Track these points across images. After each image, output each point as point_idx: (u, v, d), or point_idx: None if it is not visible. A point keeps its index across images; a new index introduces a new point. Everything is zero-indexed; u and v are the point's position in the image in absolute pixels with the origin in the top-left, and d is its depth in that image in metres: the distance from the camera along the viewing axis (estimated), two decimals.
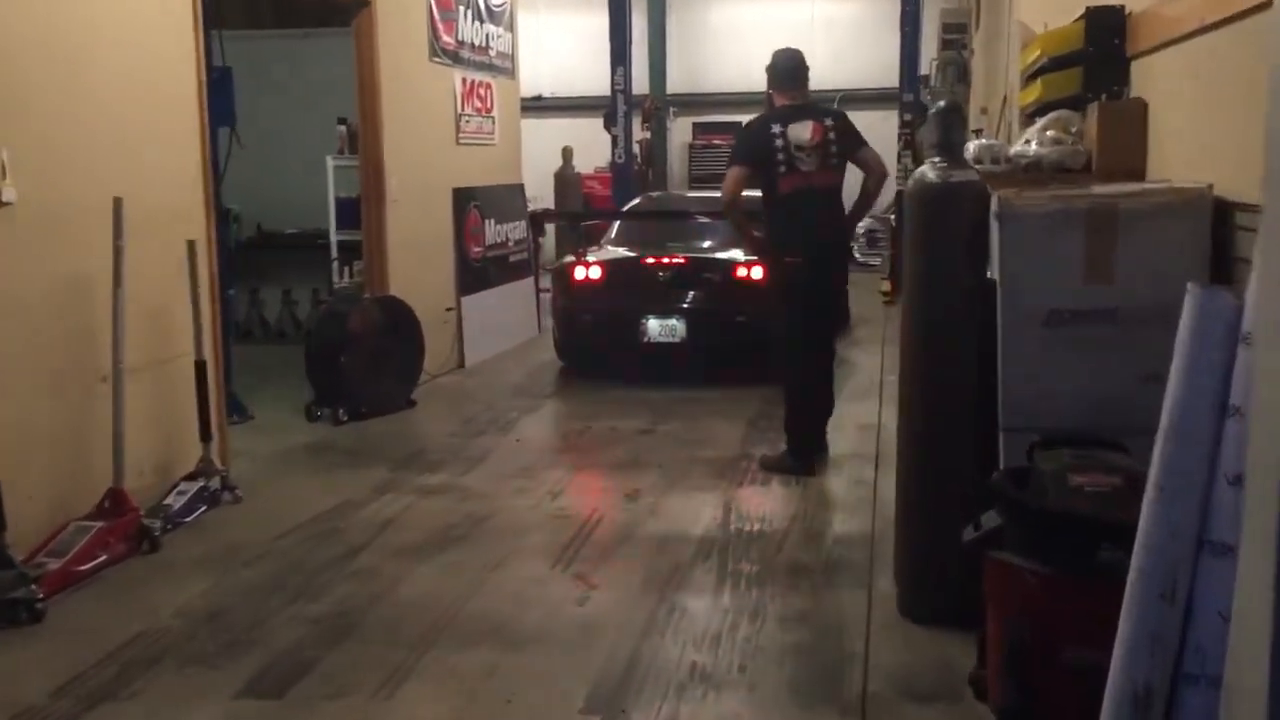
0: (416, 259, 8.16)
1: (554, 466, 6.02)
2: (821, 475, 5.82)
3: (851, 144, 5.87)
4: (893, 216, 15.07)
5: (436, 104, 8.61)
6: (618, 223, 9.61)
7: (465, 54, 9.03)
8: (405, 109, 7.99)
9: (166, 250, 5.29)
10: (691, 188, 18.34)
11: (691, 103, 18.69)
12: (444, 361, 8.53)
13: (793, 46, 6.18)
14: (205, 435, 5.34)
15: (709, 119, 18.77)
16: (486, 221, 9.45)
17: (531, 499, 5.44)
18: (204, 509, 5.16)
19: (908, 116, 13.48)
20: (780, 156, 5.68)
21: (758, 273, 7.34)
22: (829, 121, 5.83)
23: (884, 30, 17.36)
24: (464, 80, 9.02)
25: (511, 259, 10.03)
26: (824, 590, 4.26)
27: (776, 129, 5.72)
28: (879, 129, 17.56)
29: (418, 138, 8.21)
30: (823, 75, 18.24)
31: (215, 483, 5.31)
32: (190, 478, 5.26)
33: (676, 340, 8.01)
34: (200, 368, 5.34)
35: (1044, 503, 2.97)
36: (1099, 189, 3.73)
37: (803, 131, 5.71)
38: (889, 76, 16.88)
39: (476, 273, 9.22)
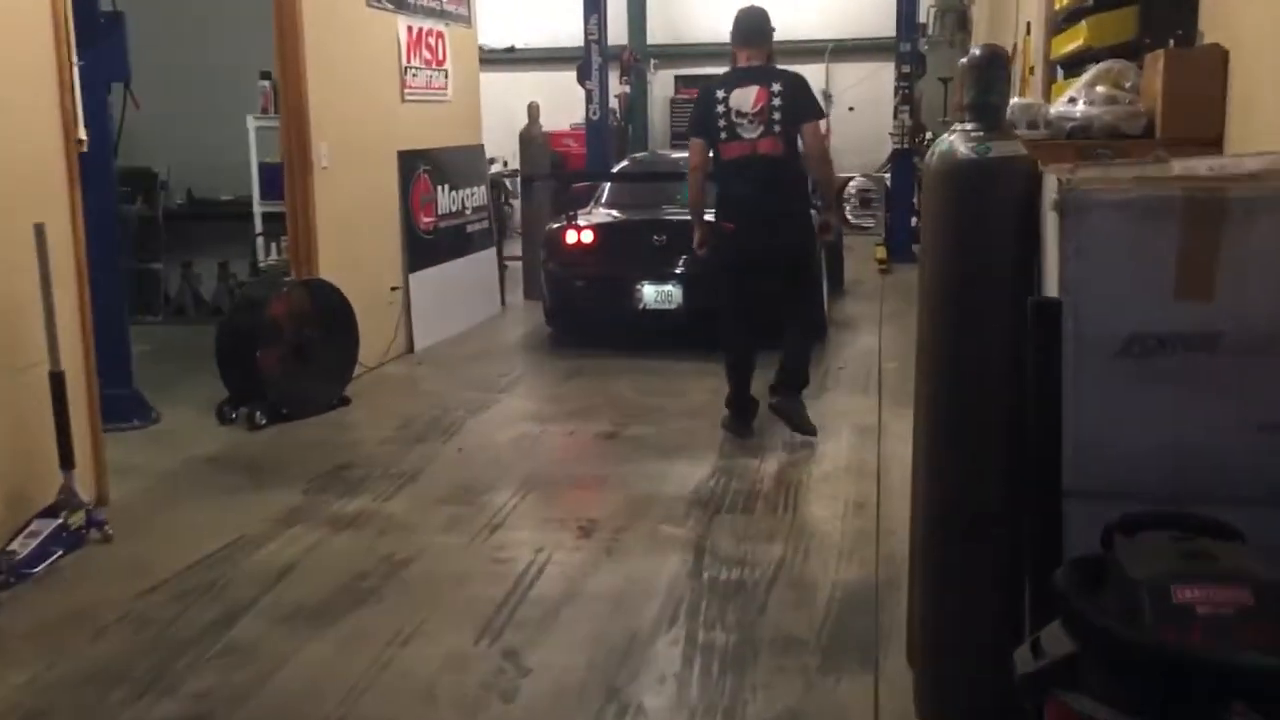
0: (353, 233, 7.18)
1: (498, 486, 5.09)
2: (814, 497, 4.92)
3: (798, 112, 5.54)
4: (887, 176, 14.11)
5: (376, 56, 7.58)
6: (608, 184, 8.94)
7: None
8: (337, 61, 6.97)
9: (9, 236, 4.30)
10: (674, 145, 17.29)
11: (673, 54, 17.56)
12: (389, 347, 7.58)
13: (757, 4, 5.94)
14: (66, 461, 4.39)
15: (692, 71, 17.63)
16: (439, 188, 8.45)
17: (465, 533, 4.52)
18: (59, 554, 4.22)
19: (905, 68, 12.43)
20: (722, 123, 5.53)
21: None
22: (776, 86, 5.54)
23: None
24: (410, 29, 7.99)
25: (469, 229, 9.04)
26: (818, 675, 3.35)
27: (720, 94, 5.57)
28: (874, 82, 16.60)
29: (353, 94, 7.20)
30: (813, 25, 17.31)
31: (79, 519, 4.37)
32: (47, 513, 4.32)
33: (672, 307, 7.63)
34: (57, 380, 4.38)
35: (1139, 634, 2.05)
36: (1188, 166, 2.79)
37: (745, 97, 5.52)
38: (884, 25, 15.78)
39: (427, 246, 8.24)
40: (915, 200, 12.48)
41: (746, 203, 5.51)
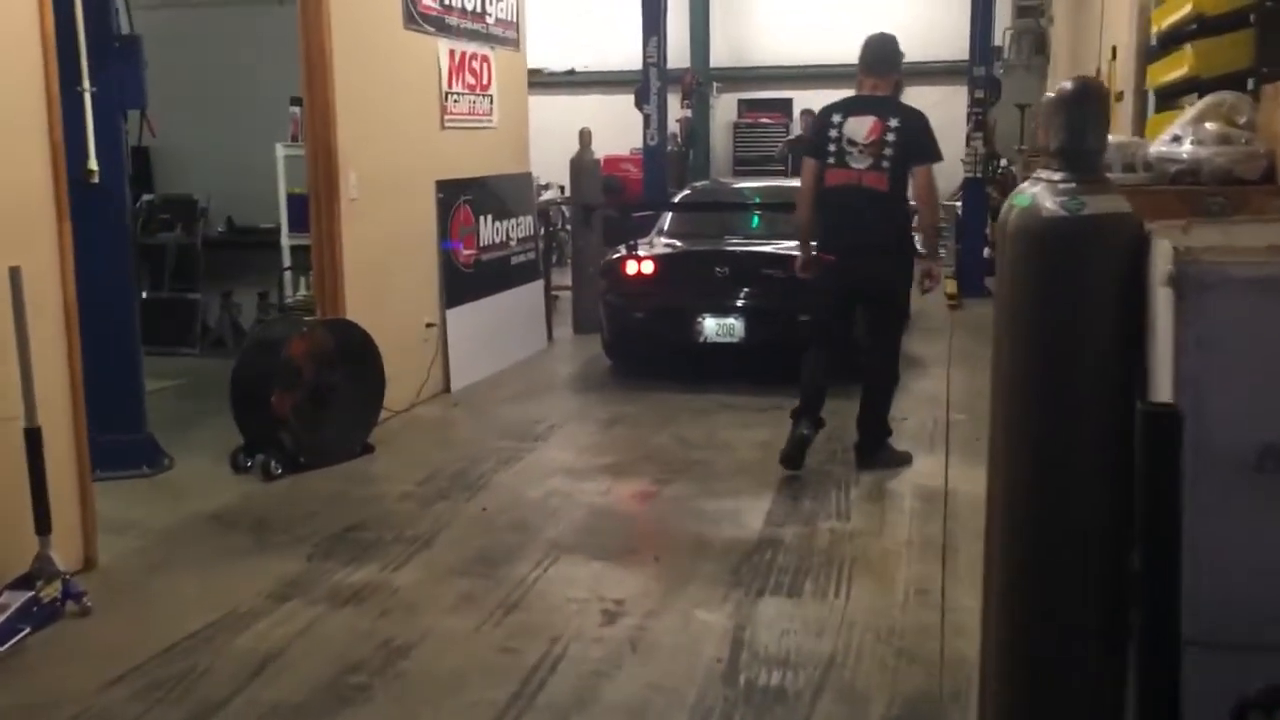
0: (385, 268, 6.79)
1: (519, 555, 4.62)
2: (870, 579, 4.37)
3: (913, 153, 5.43)
4: (958, 205, 13.48)
5: (414, 80, 7.20)
6: (669, 214, 8.71)
7: (453, 20, 7.61)
8: (370, 86, 6.60)
9: None
10: (736, 171, 16.82)
11: (737, 77, 17.10)
12: (421, 388, 7.17)
13: (887, 32, 5.87)
14: (42, 526, 4.01)
15: (756, 95, 17.20)
16: (481, 219, 8.05)
17: (476, 614, 4.05)
18: (27, 631, 3.82)
19: (978, 93, 11.82)
20: (831, 148, 5.46)
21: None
22: (893, 121, 5.42)
23: None
24: (452, 52, 7.61)
25: (514, 260, 8.63)
26: None
27: (836, 118, 5.51)
28: (945, 107, 15.90)
29: (387, 121, 6.82)
30: None
31: (53, 590, 3.98)
32: (19, 584, 3.94)
33: (735, 340, 7.44)
34: (33, 437, 4.00)
35: None
36: None
37: (860, 126, 5.42)
38: (957, 48, 15.18)
39: (467, 280, 7.83)
40: (988, 231, 11.84)
41: (842, 232, 5.45)
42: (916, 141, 5.44)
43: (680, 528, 4.99)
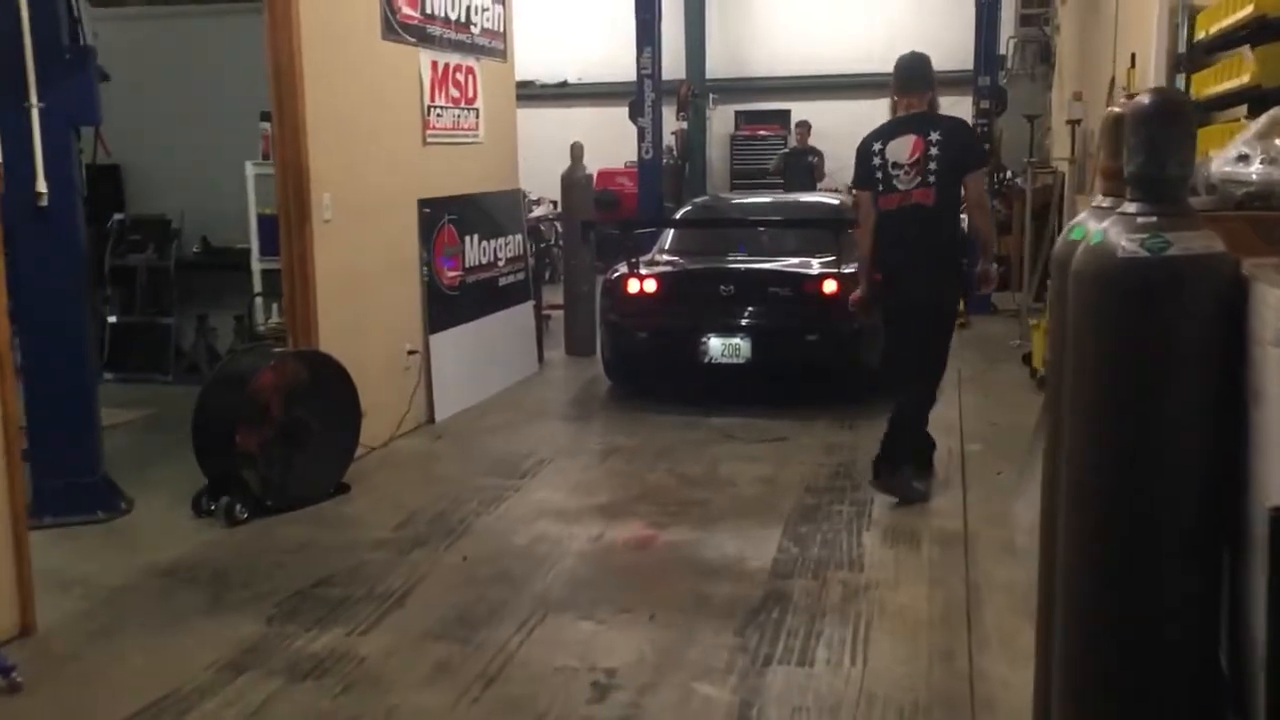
0: (362, 293, 6.37)
1: (501, 615, 4.20)
2: (889, 642, 3.95)
3: (959, 162, 5.36)
4: (963, 219, 13.08)
5: (394, 94, 6.79)
6: (671, 231, 8.41)
7: (436, 30, 7.22)
8: (345, 100, 6.20)
9: None
10: (734, 185, 16.42)
11: (734, 89, 16.70)
12: (404, 420, 6.75)
13: (919, 50, 5.78)
14: None
15: (754, 107, 16.80)
16: (467, 239, 7.64)
17: (451, 688, 3.63)
18: None
19: (984, 104, 11.44)
20: (879, 175, 5.44)
21: (830, 286, 7.04)
22: (934, 135, 5.35)
23: (952, 5, 15.29)
24: (434, 64, 7.20)
25: (502, 282, 8.22)
26: None
27: (877, 146, 5.48)
28: (952, 115, 15.57)
29: (364, 137, 6.41)
30: (879, 57, 16.28)
31: None
32: None
33: (740, 361, 7.20)
34: None
35: None
36: None
37: (901, 148, 5.38)
38: (958, 58, 14.79)
39: (452, 303, 7.42)
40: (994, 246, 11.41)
41: (895, 253, 5.44)
42: (963, 150, 5.43)
43: (678, 580, 4.56)
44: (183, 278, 8.69)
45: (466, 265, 7.63)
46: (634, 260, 7.63)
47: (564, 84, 17.07)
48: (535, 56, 16.87)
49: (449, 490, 5.74)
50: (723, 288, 7.34)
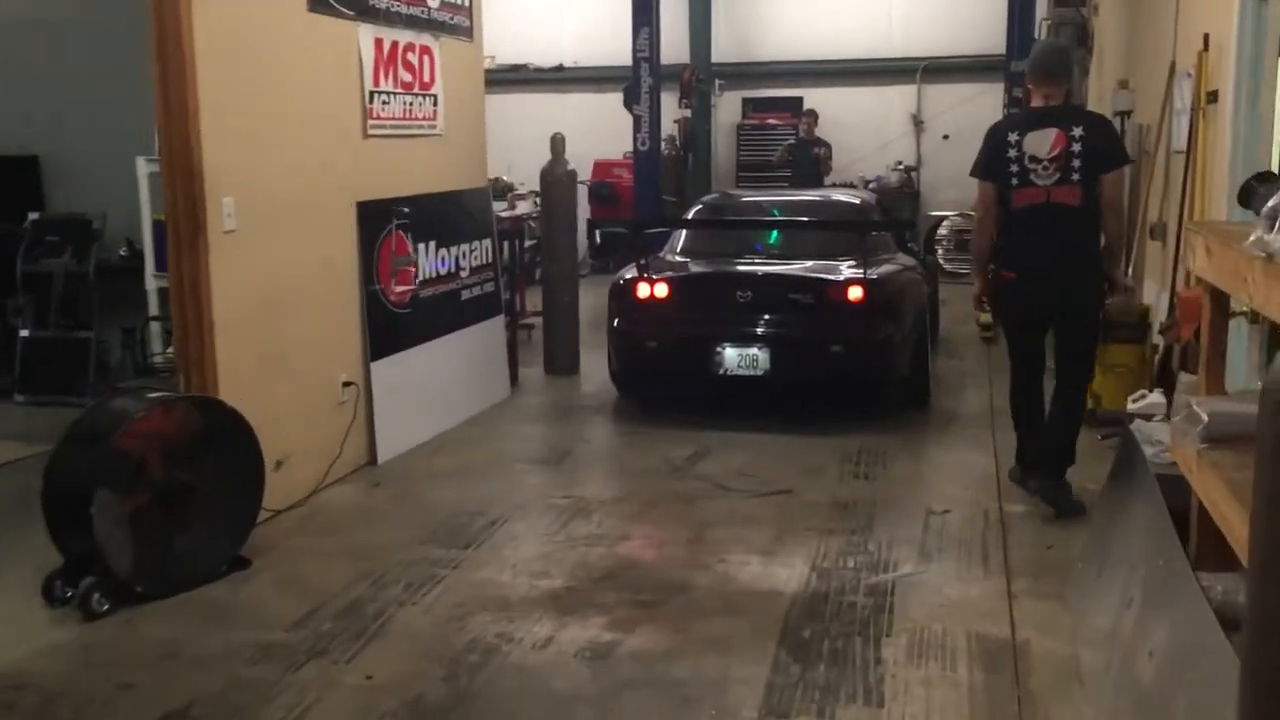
0: (280, 317, 5.31)
1: None
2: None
3: (1101, 159, 5.12)
4: None
5: (325, 77, 5.71)
6: (682, 230, 7.87)
7: (381, 2, 6.12)
8: (256, 84, 5.12)
9: None
10: (740, 178, 15.28)
11: (742, 74, 15.50)
12: (333, 466, 5.69)
13: (1059, 40, 5.68)
14: None
15: (763, 93, 15.60)
16: (421, 247, 6.56)
17: None
18: None
19: (1017, 91, 10.31)
20: (1014, 168, 5.17)
21: (856, 292, 6.64)
22: (1077, 130, 5.11)
23: None
24: (379, 42, 6.11)
25: (466, 295, 7.13)
26: None
27: (1013, 137, 5.21)
28: (972, 106, 14.36)
29: (284, 130, 5.34)
30: (902, 42, 15.11)
31: None
32: None
33: (758, 373, 6.73)
34: None
35: None
36: None
37: (1042, 141, 5.12)
38: (985, 42, 13.69)
39: (400, 323, 6.35)
40: None
41: (1037, 254, 5.17)
42: (1105, 147, 5.18)
43: (648, 702, 3.49)
44: (108, 286, 7.62)
45: (420, 278, 6.55)
46: (644, 262, 7.03)
47: (560, 68, 15.92)
48: (529, 38, 15.78)
49: (372, 567, 4.67)
50: (739, 293, 6.82)
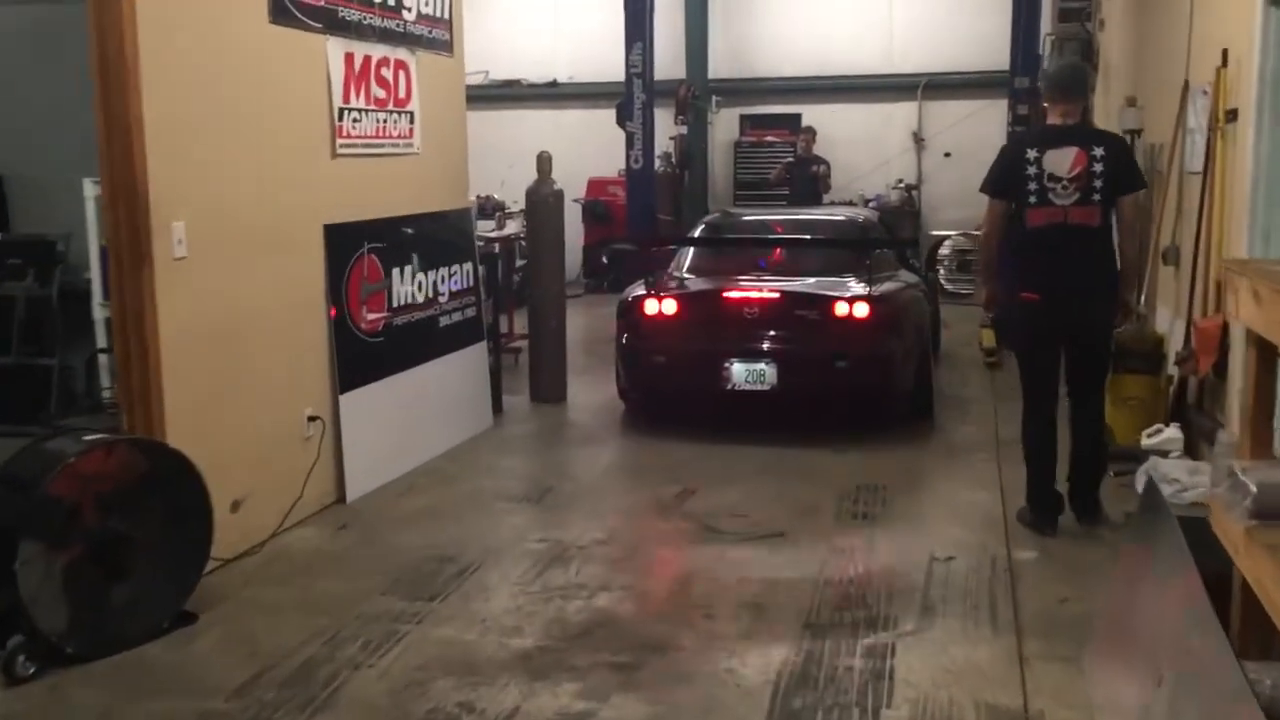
0: (239, 349, 4.97)
1: None
2: None
3: (1121, 182, 5.08)
4: None
5: (289, 93, 5.37)
6: (690, 249, 7.98)
7: (352, 14, 5.79)
8: (211, 101, 4.78)
9: None
10: (737, 197, 14.96)
11: (739, 90, 15.18)
12: (294, 507, 5.33)
13: (1077, 59, 5.53)
14: None
15: (761, 110, 15.29)
16: (395, 272, 6.22)
17: None
18: None
19: (1021, 108, 9.99)
20: (1032, 186, 5.08)
21: (861, 310, 6.78)
22: (1098, 150, 5.05)
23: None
24: (349, 56, 5.78)
25: (445, 321, 6.79)
26: None
27: (1032, 154, 5.13)
28: (974, 122, 14.06)
29: (242, 148, 5.00)
30: (903, 58, 14.78)
31: None
32: None
33: (765, 387, 6.85)
34: None
35: None
36: None
37: (1062, 160, 5.04)
38: (990, 57, 13.34)
39: (372, 352, 6.00)
40: None
41: (1055, 275, 5.09)
42: (1123, 169, 5.12)
43: None
44: (73, 310, 7.26)
45: (394, 305, 6.20)
46: (651, 280, 7.21)
47: (554, 84, 15.61)
48: (523, 53, 15.47)
49: (329, 622, 4.30)
50: (746, 310, 6.96)
